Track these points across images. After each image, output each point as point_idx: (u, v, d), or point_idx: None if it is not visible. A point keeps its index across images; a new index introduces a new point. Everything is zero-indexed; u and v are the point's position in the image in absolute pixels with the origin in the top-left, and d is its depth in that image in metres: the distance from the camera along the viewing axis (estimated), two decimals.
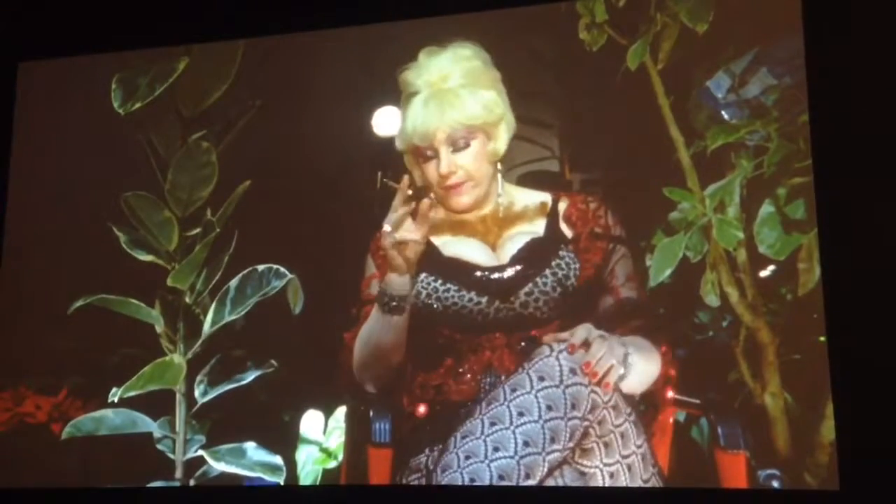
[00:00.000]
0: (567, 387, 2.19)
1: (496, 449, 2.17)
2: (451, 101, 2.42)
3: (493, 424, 2.19)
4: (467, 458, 2.18)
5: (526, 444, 2.16)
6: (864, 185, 2.33)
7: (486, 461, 2.17)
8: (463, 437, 2.21)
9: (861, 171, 2.33)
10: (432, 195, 2.44)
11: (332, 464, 2.57)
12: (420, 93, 2.46)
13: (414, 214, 2.34)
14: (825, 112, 2.36)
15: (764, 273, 2.37)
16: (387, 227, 2.31)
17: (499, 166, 2.47)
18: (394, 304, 2.34)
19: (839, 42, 2.39)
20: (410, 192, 2.36)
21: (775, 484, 2.27)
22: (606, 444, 2.21)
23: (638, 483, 2.23)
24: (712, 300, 2.39)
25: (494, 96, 2.45)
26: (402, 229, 2.31)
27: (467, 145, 2.43)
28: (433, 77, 2.45)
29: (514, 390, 2.21)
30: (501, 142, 2.46)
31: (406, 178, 2.37)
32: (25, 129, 2.99)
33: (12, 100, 3.01)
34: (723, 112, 2.44)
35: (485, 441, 2.18)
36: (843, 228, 2.32)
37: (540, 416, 2.17)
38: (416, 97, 2.46)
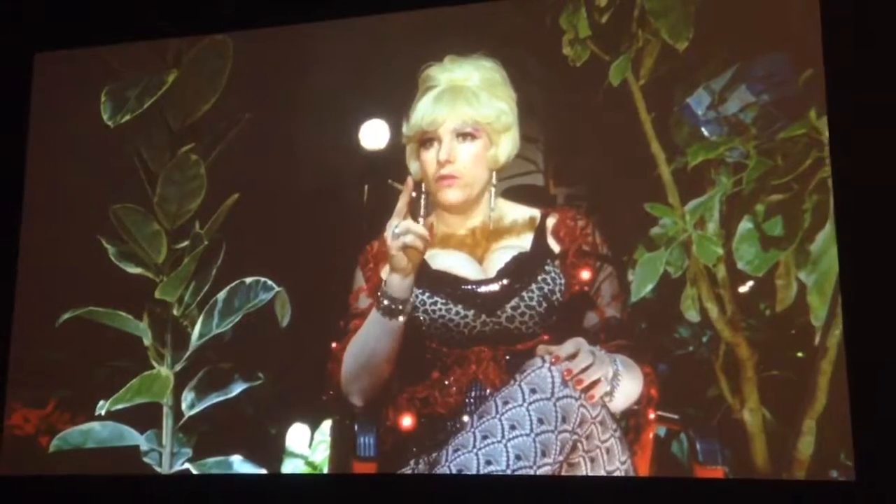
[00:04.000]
0: (558, 399, 2.20)
1: (488, 462, 2.17)
2: (466, 96, 2.45)
3: (485, 438, 2.19)
4: (459, 471, 2.18)
5: (518, 457, 2.16)
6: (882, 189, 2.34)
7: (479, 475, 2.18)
8: (455, 451, 2.20)
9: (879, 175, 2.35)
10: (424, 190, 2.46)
11: None
12: (439, 86, 2.48)
13: (415, 215, 2.35)
14: (843, 118, 2.37)
15: (743, 289, 2.39)
16: (396, 230, 2.31)
17: (493, 179, 2.48)
18: (394, 307, 2.34)
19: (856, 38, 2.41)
20: (415, 193, 2.37)
21: None
22: (592, 460, 2.21)
23: None
24: (692, 315, 2.41)
25: (506, 108, 2.48)
26: (409, 231, 2.31)
27: (472, 139, 2.45)
28: (456, 75, 2.49)
29: (505, 403, 2.21)
30: (503, 152, 2.47)
31: (410, 179, 2.38)
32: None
33: (27, 92, 3.02)
34: (703, 129, 2.46)
35: (477, 454, 2.18)
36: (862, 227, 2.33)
37: (531, 430, 2.17)
38: (433, 89, 2.49)
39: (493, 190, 2.49)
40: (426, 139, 2.47)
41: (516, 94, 2.50)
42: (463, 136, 2.45)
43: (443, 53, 2.53)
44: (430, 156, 2.47)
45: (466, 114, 2.44)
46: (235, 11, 2.86)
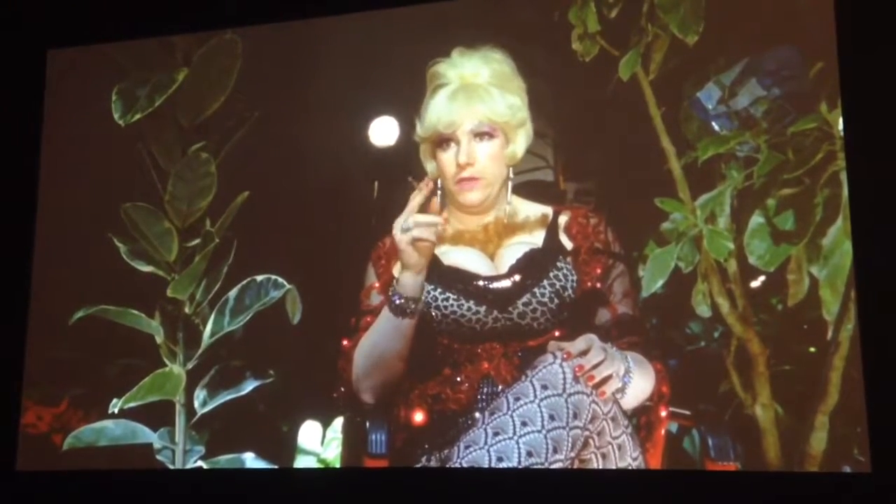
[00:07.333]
0: (570, 395, 2.19)
1: (500, 459, 2.17)
2: (480, 94, 2.44)
3: (496, 434, 2.19)
4: (471, 468, 2.19)
5: (529, 454, 2.16)
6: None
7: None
8: (466, 447, 2.21)
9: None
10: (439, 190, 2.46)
11: None
12: (450, 84, 2.47)
13: (424, 209, 2.33)
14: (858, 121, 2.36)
15: (754, 284, 2.38)
16: (404, 224, 2.29)
17: (510, 174, 2.48)
18: (405, 306, 2.34)
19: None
20: (432, 193, 2.35)
21: None
22: (604, 456, 2.21)
23: None
24: (703, 311, 2.41)
25: (518, 102, 2.47)
26: (418, 224, 2.29)
27: (489, 138, 2.44)
28: (466, 71, 2.47)
29: (517, 399, 2.21)
30: (519, 147, 2.47)
31: (429, 179, 2.38)
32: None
33: (40, 89, 3.03)
34: (713, 123, 2.45)
35: (488, 451, 2.18)
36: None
37: (543, 426, 2.17)
38: (445, 87, 2.47)
39: (509, 185, 2.48)
40: (443, 140, 2.46)
41: (526, 84, 2.49)
42: (480, 135, 2.44)
43: (450, 49, 2.51)
44: (448, 157, 2.46)
45: (482, 113, 2.43)
46: (243, 8, 2.86)
